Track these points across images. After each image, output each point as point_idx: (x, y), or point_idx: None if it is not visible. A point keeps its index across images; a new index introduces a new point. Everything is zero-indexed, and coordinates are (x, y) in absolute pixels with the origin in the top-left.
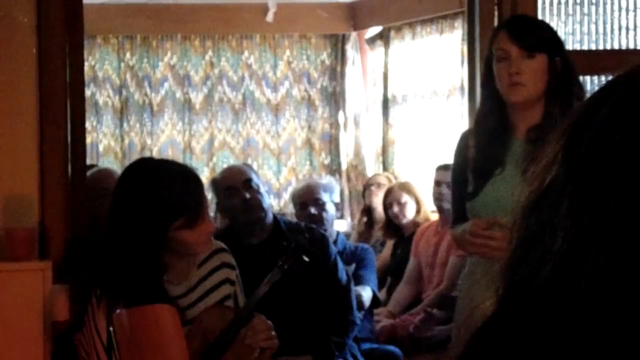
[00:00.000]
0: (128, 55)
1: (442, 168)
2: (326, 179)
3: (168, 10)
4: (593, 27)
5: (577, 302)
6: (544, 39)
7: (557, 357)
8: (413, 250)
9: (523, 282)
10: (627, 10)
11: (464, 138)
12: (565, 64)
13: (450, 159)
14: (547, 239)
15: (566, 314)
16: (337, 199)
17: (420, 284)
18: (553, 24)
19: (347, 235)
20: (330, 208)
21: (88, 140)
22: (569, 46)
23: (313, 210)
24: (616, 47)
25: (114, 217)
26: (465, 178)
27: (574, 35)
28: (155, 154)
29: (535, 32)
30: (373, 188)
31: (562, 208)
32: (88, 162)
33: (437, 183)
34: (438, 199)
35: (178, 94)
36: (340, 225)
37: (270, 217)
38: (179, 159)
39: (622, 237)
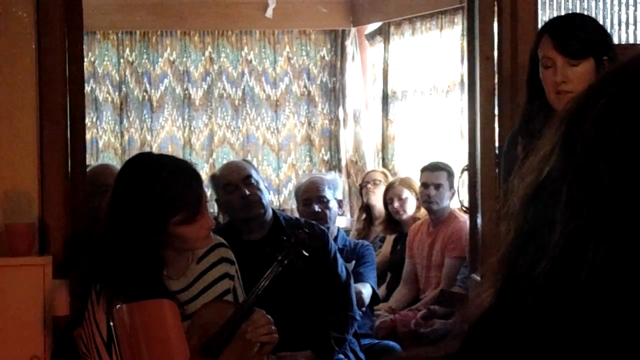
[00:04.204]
0: (128, 51)
1: (427, 169)
2: (330, 175)
3: (168, 6)
4: None
5: (575, 295)
6: (588, 43)
7: (554, 350)
8: (407, 251)
9: (521, 274)
10: (627, 5)
11: (514, 135)
12: (614, 62)
13: (445, 158)
14: (545, 231)
15: (564, 307)
16: (340, 196)
17: (418, 284)
18: None
19: (347, 232)
20: (334, 205)
21: (88, 136)
22: None
23: (317, 207)
24: (616, 42)
25: (113, 212)
26: None
27: None
28: (155, 150)
29: (579, 37)
30: (370, 186)
31: (561, 200)
32: (87, 158)
33: (424, 185)
34: (426, 201)
35: (178, 90)
36: (340, 221)
37: (269, 213)
38: (179, 155)
39: (621, 229)
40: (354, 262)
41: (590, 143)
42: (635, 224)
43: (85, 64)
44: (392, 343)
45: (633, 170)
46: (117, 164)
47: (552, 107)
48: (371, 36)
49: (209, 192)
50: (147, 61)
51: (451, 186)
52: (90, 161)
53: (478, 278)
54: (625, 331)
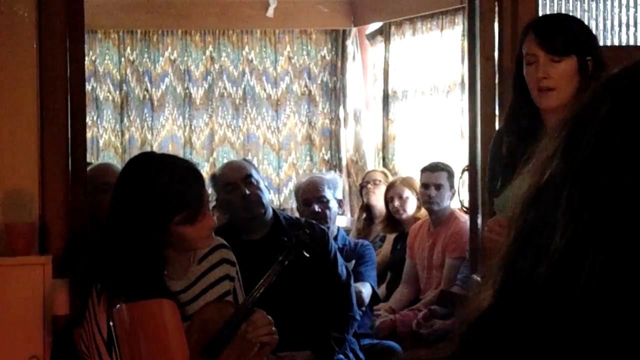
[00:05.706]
0: (129, 50)
1: (428, 170)
2: (330, 175)
3: (169, 5)
4: (593, 23)
5: (574, 300)
6: (572, 41)
7: (552, 353)
8: (408, 251)
9: (520, 277)
10: (628, 6)
11: (499, 135)
12: (598, 63)
13: (445, 158)
14: (545, 234)
15: (562, 311)
16: (340, 196)
17: (419, 284)
18: None
19: (347, 231)
20: (334, 205)
21: (88, 135)
22: None
23: (317, 207)
24: (616, 43)
25: (114, 211)
26: (497, 175)
27: None
28: (155, 149)
29: (563, 34)
30: (370, 186)
31: (561, 204)
32: (88, 157)
33: (425, 185)
34: (427, 201)
35: (178, 89)
36: (340, 221)
37: (270, 212)
38: (179, 154)
39: (621, 235)
40: (353, 261)
41: (591, 148)
42: (635, 231)
43: (86, 62)
44: (392, 343)
45: (633, 177)
46: (117, 162)
47: (537, 105)
48: (372, 36)
49: (209, 191)
50: (148, 60)
51: (451, 186)
52: (91, 160)
53: (478, 278)
54: (623, 336)
